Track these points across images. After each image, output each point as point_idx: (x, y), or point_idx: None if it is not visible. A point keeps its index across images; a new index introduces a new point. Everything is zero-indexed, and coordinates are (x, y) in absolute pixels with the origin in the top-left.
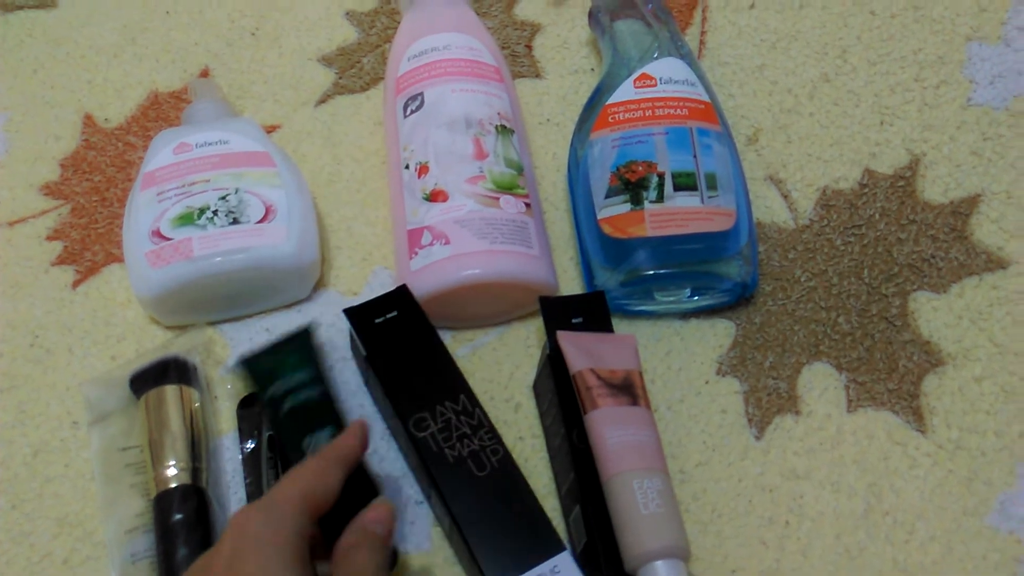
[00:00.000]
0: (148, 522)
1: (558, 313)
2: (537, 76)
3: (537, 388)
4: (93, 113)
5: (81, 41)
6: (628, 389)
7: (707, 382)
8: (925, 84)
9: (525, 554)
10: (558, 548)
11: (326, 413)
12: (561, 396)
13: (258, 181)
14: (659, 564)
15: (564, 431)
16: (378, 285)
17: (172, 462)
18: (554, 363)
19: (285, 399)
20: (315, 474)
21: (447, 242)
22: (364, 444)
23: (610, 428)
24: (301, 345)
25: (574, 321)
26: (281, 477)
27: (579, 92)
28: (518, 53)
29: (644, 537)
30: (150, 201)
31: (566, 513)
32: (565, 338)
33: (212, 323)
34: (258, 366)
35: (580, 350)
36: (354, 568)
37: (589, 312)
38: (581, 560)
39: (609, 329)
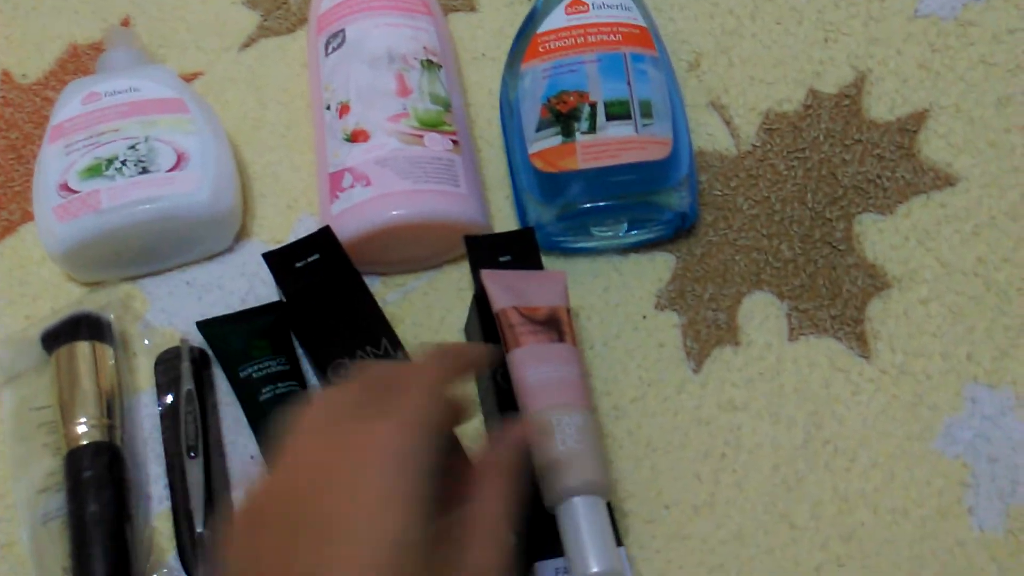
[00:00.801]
0: (60, 481)
1: (485, 252)
2: (472, 9)
3: (467, 330)
4: (11, 69)
5: None
6: (553, 325)
7: (645, 317)
8: None
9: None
10: None
11: None
12: (487, 336)
13: (170, 128)
14: (576, 500)
15: (490, 372)
16: (303, 232)
17: (83, 419)
18: (480, 303)
19: (263, 385)
20: (447, 404)
21: (368, 183)
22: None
23: (531, 365)
24: (274, 326)
25: (502, 259)
26: (405, 377)
27: (515, 24)
28: None
29: (560, 473)
30: (58, 154)
31: None
32: (488, 276)
33: (130, 278)
34: (225, 337)
35: (504, 288)
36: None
37: (518, 250)
38: None
39: (539, 266)
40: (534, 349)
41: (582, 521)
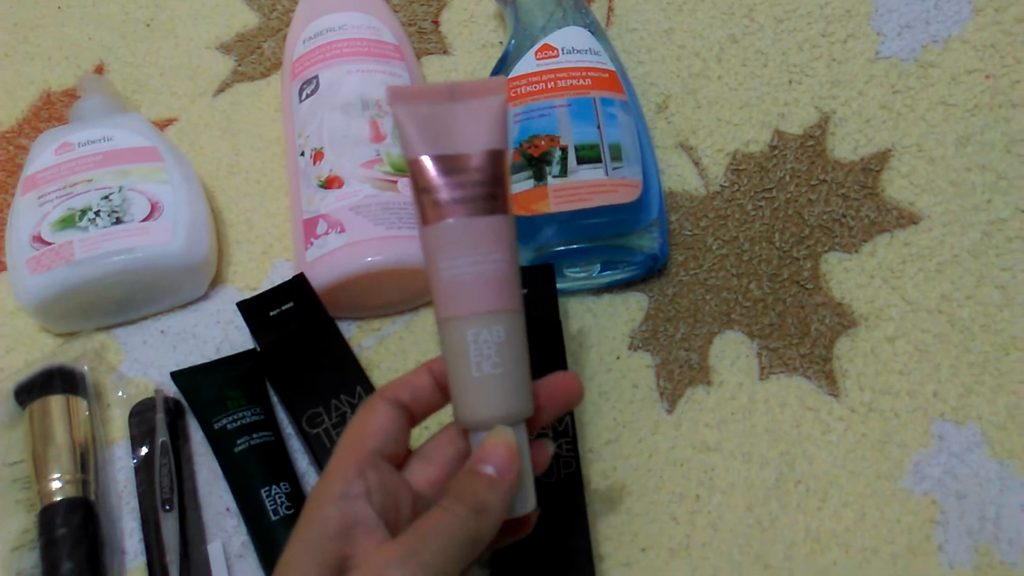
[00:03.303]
0: (34, 539)
1: None
2: (445, 52)
3: None
4: None
5: None
6: (484, 186)
7: (618, 358)
8: (833, 39)
9: None
10: None
11: (283, 464)
12: None
13: (144, 178)
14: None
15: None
16: (278, 279)
17: (57, 475)
18: None
19: (237, 437)
20: (364, 416)
21: (342, 230)
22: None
23: (448, 253)
24: (248, 375)
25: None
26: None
27: (487, 67)
28: (425, 30)
29: (475, 405)
30: (31, 205)
31: None
32: (397, 93)
33: (104, 327)
34: (199, 388)
35: (422, 122)
36: (427, 530)
37: (535, 284)
38: None
39: (555, 305)
40: (456, 227)
41: None
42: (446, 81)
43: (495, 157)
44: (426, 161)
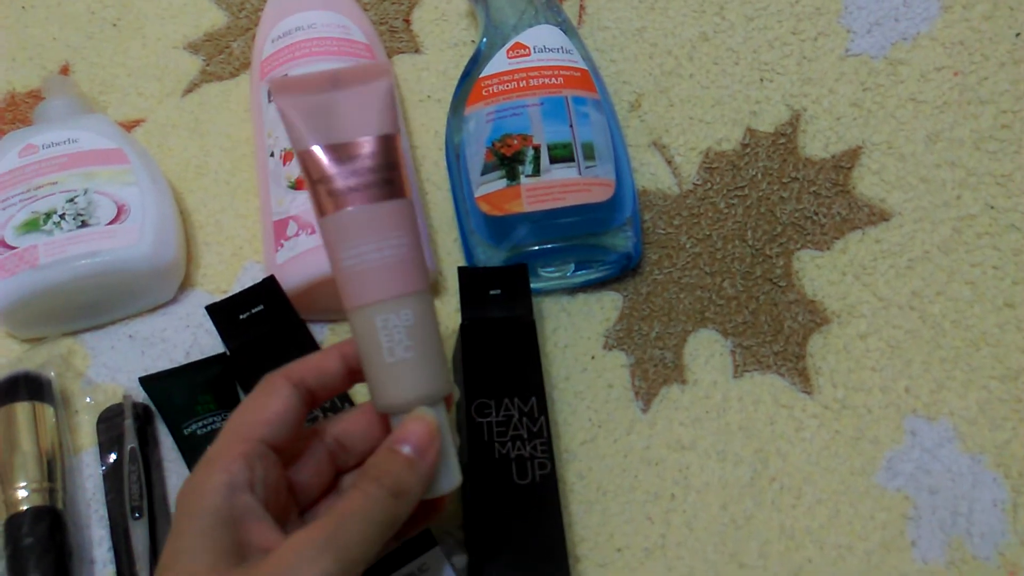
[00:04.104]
0: (0, 549)
1: (476, 284)
2: (416, 51)
3: (454, 363)
4: None
5: None
6: (379, 172)
7: (593, 357)
8: (803, 37)
9: (394, 554)
10: (428, 545)
11: None
12: (466, 367)
13: (110, 180)
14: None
15: (465, 404)
16: (249, 281)
17: (23, 483)
18: (464, 333)
19: (207, 443)
20: (263, 397)
21: (313, 232)
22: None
23: (347, 243)
24: (218, 379)
25: (492, 292)
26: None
27: (460, 66)
28: (396, 28)
29: (391, 390)
30: None
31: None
32: (282, 87)
33: (71, 333)
34: (168, 393)
35: (308, 114)
36: (345, 514)
37: (510, 284)
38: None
39: (529, 303)
40: (354, 216)
41: None
42: (329, 69)
43: (386, 142)
44: (317, 151)
